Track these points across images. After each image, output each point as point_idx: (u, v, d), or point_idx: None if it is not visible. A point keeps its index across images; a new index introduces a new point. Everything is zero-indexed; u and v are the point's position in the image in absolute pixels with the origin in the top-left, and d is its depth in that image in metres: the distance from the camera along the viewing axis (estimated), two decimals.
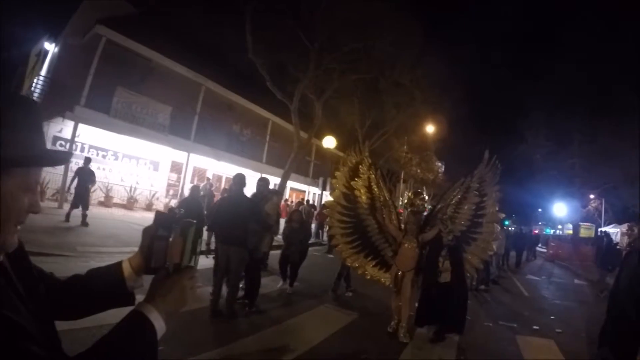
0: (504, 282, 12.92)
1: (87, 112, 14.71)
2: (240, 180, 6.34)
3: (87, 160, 11.97)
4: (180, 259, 1.13)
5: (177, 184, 19.42)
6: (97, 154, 16.31)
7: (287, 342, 5.22)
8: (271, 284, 7.69)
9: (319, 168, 27.94)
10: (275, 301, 6.95)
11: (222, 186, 21.78)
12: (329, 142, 18.97)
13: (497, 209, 6.49)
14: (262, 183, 7.27)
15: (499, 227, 12.02)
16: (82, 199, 11.02)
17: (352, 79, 18.21)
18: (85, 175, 11.38)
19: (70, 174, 12.07)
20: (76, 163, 12.83)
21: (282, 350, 4.90)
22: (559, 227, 48.96)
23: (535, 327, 7.81)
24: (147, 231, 1.21)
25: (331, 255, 12.42)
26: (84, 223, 10.69)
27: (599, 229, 33.09)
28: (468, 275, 6.77)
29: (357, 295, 8.47)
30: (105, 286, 1.20)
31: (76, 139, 14.82)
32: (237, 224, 5.90)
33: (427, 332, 6.28)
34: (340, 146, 19.87)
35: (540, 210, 53.94)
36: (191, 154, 18.83)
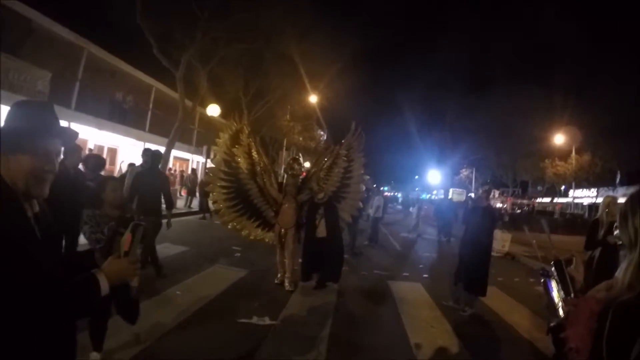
0: (381, 240, 14.20)
1: None
2: (157, 156, 7.31)
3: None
4: (129, 249, 1.61)
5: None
6: None
7: (187, 299, 5.70)
8: (167, 248, 7.99)
9: (202, 136, 27.34)
10: (170, 265, 7.23)
11: (105, 156, 20.89)
12: (214, 110, 18.92)
13: (362, 171, 7.52)
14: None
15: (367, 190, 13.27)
16: None
17: (238, 49, 18.18)
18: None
19: None
20: None
21: (183, 307, 5.37)
22: (434, 192, 53.20)
23: (405, 274, 9.11)
24: (110, 228, 1.87)
25: (217, 222, 12.72)
26: None
27: (469, 194, 36.78)
28: (342, 228, 7.68)
29: (245, 255, 9.07)
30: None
31: None
32: (154, 196, 6.64)
33: (310, 282, 7.07)
34: (224, 114, 19.84)
35: (417, 177, 58.05)
36: (72, 124, 17.74)
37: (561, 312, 1.81)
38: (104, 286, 1.46)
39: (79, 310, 1.47)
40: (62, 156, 5.58)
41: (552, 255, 1.95)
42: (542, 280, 2.08)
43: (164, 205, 6.96)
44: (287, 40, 19.07)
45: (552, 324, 1.82)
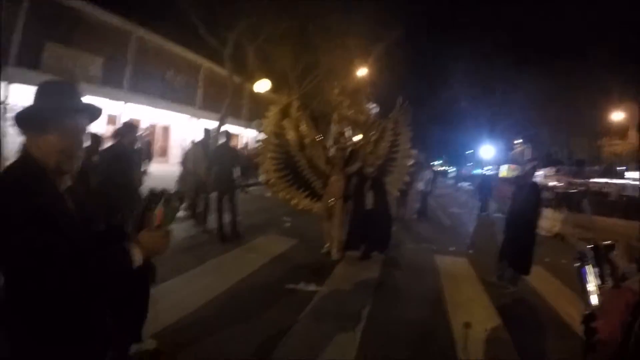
0: (430, 214, 14.16)
1: (17, 71, 13.33)
2: (229, 134, 8.71)
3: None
4: (160, 222, 1.63)
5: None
6: None
7: (250, 258, 6.52)
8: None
9: (253, 111, 27.56)
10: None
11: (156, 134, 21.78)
12: (263, 85, 19.14)
13: (409, 145, 7.58)
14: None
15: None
16: None
17: (284, 25, 18.11)
18: None
19: None
20: None
21: (249, 263, 6.16)
22: (488, 167, 51.60)
23: (451, 248, 9.08)
24: (142, 202, 1.82)
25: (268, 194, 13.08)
26: None
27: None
28: (391, 201, 7.79)
29: (294, 224, 9.49)
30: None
31: (7, 102, 13.61)
32: (228, 168, 7.74)
33: (357, 252, 7.24)
34: (274, 89, 19.91)
35: (471, 151, 56.46)
36: (127, 104, 18.39)
37: (594, 301, 1.75)
38: (137, 257, 1.50)
39: (112, 281, 1.51)
40: (120, 135, 5.89)
41: (592, 240, 1.87)
42: (575, 265, 1.99)
43: None
44: (332, 15, 18.88)
45: (585, 312, 1.73)
